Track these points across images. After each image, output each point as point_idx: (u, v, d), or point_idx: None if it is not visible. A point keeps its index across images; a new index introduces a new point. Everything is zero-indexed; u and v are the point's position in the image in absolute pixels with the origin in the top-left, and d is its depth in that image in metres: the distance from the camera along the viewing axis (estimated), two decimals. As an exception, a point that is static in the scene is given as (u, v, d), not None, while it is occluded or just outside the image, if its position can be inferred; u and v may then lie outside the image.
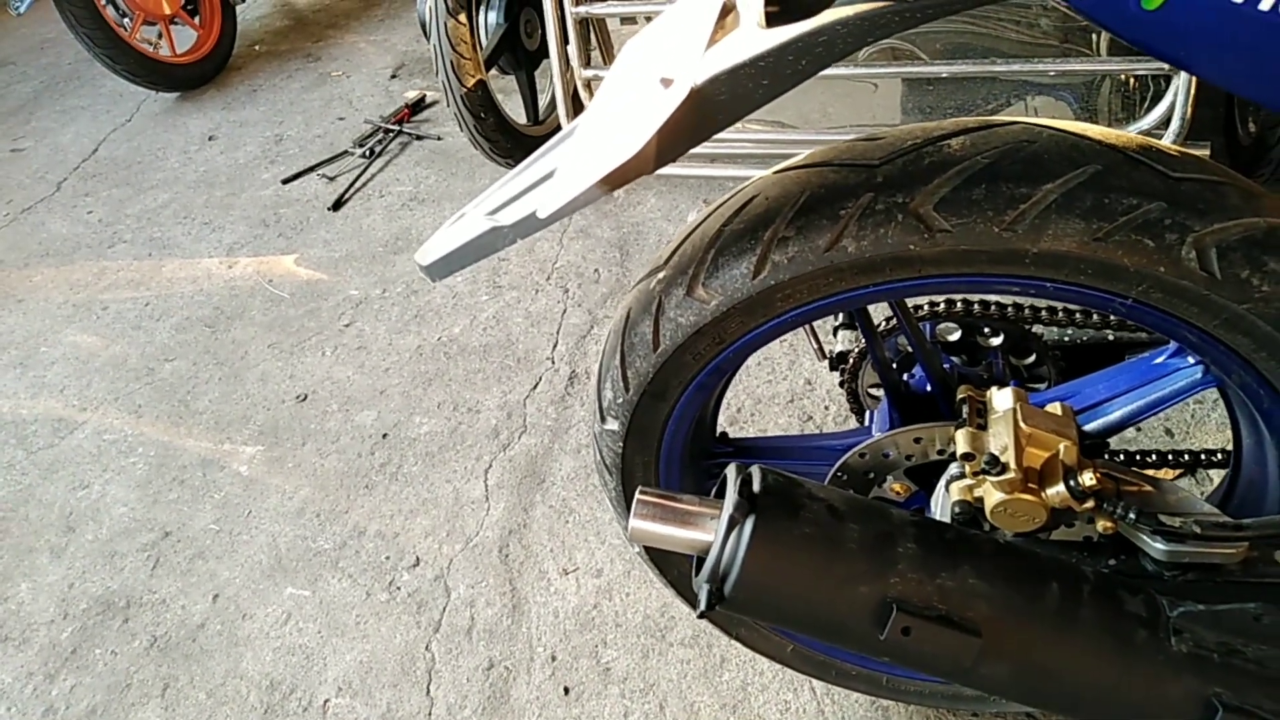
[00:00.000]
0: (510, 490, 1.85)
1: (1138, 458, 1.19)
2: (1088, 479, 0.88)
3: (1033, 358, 1.15)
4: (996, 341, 1.13)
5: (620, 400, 1.03)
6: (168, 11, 3.74)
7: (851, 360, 1.23)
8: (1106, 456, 1.12)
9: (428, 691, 1.54)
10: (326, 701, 1.56)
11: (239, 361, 2.34)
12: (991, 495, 0.91)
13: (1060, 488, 0.89)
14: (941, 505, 0.98)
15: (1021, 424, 0.91)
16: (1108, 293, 0.82)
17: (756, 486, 0.78)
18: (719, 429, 1.22)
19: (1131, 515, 0.88)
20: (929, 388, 1.07)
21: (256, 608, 1.73)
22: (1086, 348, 1.16)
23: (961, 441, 0.92)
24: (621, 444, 1.07)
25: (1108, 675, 0.75)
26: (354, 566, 1.77)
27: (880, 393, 1.17)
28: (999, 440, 0.91)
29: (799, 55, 0.71)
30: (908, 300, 1.05)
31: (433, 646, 1.61)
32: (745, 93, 0.74)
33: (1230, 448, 1.06)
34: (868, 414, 1.18)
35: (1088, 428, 1.05)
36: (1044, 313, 1.15)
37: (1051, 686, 0.77)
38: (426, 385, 2.15)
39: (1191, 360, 1.00)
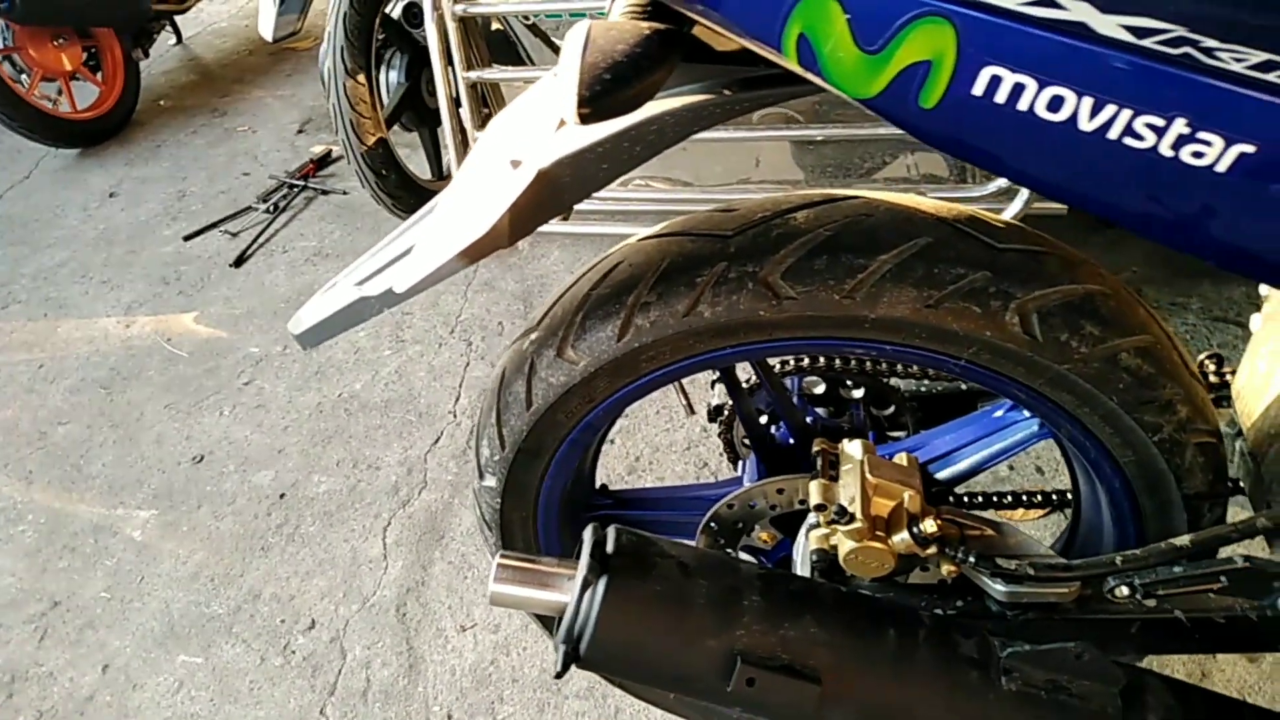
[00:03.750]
0: (409, 548, 1.85)
1: (994, 499, 1.25)
2: (929, 526, 0.93)
3: (892, 409, 1.21)
4: (858, 394, 1.19)
5: (496, 457, 1.06)
6: (68, 68, 3.69)
7: (726, 413, 1.28)
8: (955, 501, 1.18)
9: (322, 757, 1.53)
10: (218, 772, 1.53)
11: (134, 423, 2.30)
12: (844, 544, 0.96)
13: (904, 535, 0.94)
14: (802, 553, 1.03)
15: (868, 475, 0.96)
16: (941, 354, 0.88)
17: (610, 547, 0.81)
18: (600, 482, 1.25)
19: (971, 559, 0.94)
20: (792, 440, 1.12)
21: (147, 677, 1.69)
22: (941, 398, 1.22)
23: (814, 493, 0.97)
24: (499, 500, 1.10)
25: (942, 716, 0.80)
26: (248, 631, 1.74)
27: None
28: (848, 491, 0.96)
29: (633, 142, 0.76)
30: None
31: (328, 710, 1.59)
32: (588, 175, 0.79)
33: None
34: (740, 464, 1.22)
35: (939, 476, 1.11)
36: (900, 366, 1.21)
37: (891, 727, 0.81)
38: (326, 443, 2.14)
39: (1028, 414, 1.06)
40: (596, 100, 0.61)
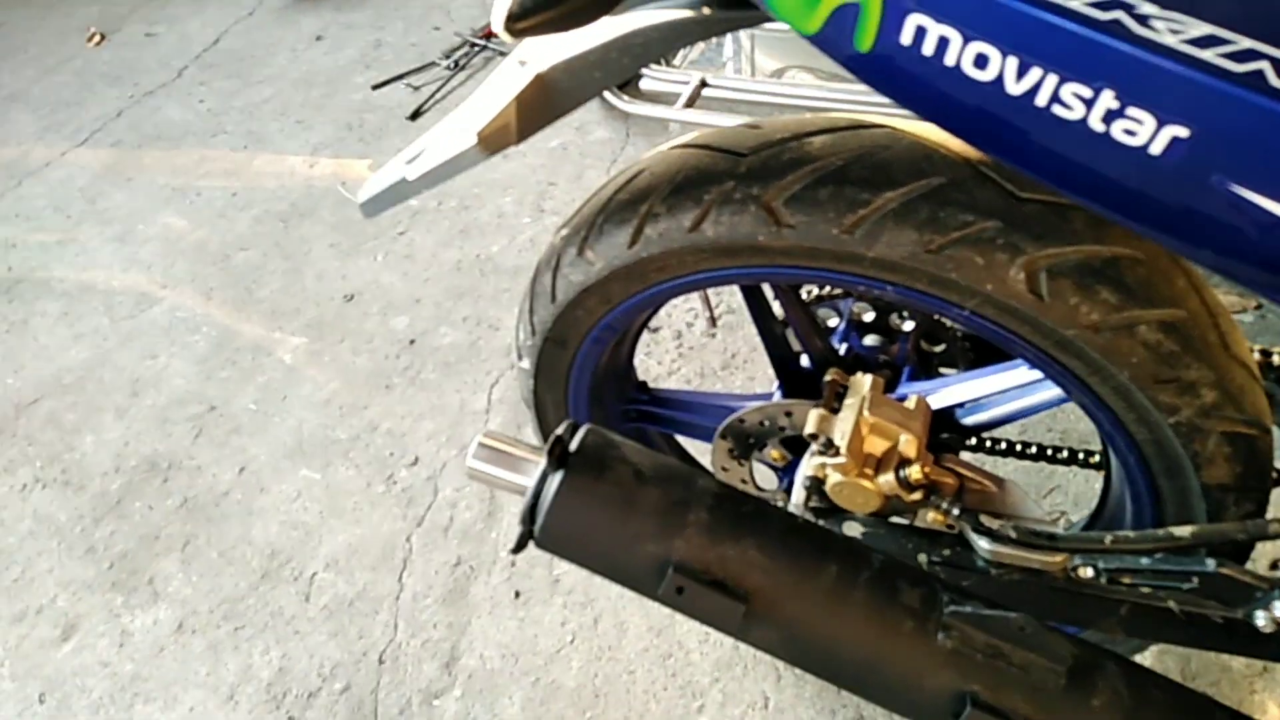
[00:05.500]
0: (510, 406, 1.97)
1: (1049, 453, 1.20)
2: (914, 472, 0.92)
3: (942, 346, 1.17)
4: (908, 326, 1.16)
5: (528, 343, 1.12)
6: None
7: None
8: (982, 448, 1.14)
9: (400, 578, 1.70)
10: (314, 575, 1.74)
11: (302, 257, 2.52)
12: (832, 476, 0.96)
13: (890, 477, 0.93)
14: (800, 477, 1.04)
15: (865, 413, 0.95)
16: (945, 301, 0.85)
17: (574, 445, 0.86)
18: (642, 378, 1.29)
19: (954, 511, 0.92)
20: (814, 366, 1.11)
21: (273, 484, 1.92)
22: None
23: (811, 421, 0.97)
24: (533, 382, 1.16)
25: (867, 657, 0.81)
26: (362, 458, 1.94)
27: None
28: (843, 425, 0.96)
29: (621, 54, 0.77)
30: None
31: (413, 539, 1.76)
32: (582, 81, 0.80)
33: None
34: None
35: (966, 422, 1.08)
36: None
37: (816, 656, 0.83)
38: (458, 298, 2.28)
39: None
40: (526, 15, 0.62)
